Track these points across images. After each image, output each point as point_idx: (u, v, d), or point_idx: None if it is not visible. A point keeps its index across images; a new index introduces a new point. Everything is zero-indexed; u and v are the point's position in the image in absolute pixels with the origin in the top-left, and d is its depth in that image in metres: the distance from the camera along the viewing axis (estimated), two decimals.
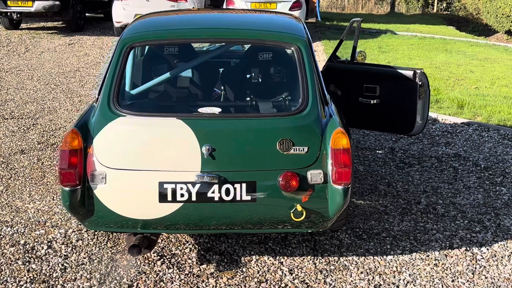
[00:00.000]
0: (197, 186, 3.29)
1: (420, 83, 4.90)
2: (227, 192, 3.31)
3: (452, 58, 12.12)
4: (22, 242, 3.99)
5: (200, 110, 3.53)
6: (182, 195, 3.30)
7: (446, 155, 5.90)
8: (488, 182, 5.22)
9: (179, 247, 3.97)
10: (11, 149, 5.94)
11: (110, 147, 3.36)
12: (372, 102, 5.06)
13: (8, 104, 7.75)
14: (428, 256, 3.94)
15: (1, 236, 4.07)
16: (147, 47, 4.55)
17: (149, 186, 3.29)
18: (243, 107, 3.91)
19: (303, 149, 3.38)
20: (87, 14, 16.16)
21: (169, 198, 3.29)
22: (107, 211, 3.33)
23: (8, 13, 14.36)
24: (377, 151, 6.02)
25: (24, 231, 4.15)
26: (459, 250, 4.02)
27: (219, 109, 3.54)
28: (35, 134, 6.46)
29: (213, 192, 3.30)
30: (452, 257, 3.93)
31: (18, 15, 14.48)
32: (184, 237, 4.08)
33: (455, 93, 8.53)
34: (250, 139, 3.39)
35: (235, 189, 3.31)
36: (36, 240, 4.02)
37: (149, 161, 3.32)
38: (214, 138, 3.34)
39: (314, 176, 3.37)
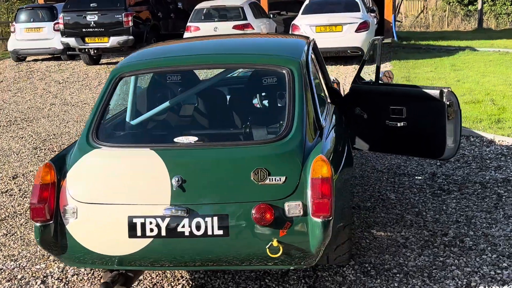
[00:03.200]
0: (167, 220, 3.13)
1: (448, 103, 4.52)
2: (198, 226, 3.12)
3: None
4: (19, 276, 3.99)
5: (176, 139, 3.39)
6: (151, 230, 3.14)
7: (494, 180, 5.37)
8: None
9: (172, 283, 3.81)
10: None
11: (82, 181, 3.29)
12: (398, 124, 4.72)
13: (62, 137, 8.00)
14: None
15: (2, 271, 4.09)
16: (151, 76, 4.49)
17: (118, 221, 3.17)
18: (223, 135, 3.72)
19: (280, 179, 3.13)
20: None
21: (139, 233, 3.15)
22: (79, 247, 3.24)
23: (86, 49, 15.07)
24: (416, 177, 5.60)
25: (26, 265, 4.15)
26: None
27: (196, 138, 3.38)
28: None
29: (183, 227, 3.12)
30: None
31: (95, 51, 15.17)
32: (179, 272, 3.91)
33: None
34: (223, 170, 3.20)
35: (206, 223, 3.12)
36: (33, 274, 4.01)
37: (119, 195, 3.21)
38: (185, 169, 3.18)
39: (292, 208, 3.10)
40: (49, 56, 17.72)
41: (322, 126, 3.59)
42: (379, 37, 4.97)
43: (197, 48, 4.18)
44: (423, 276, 3.74)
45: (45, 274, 4.00)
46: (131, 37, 14.83)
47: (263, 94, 4.16)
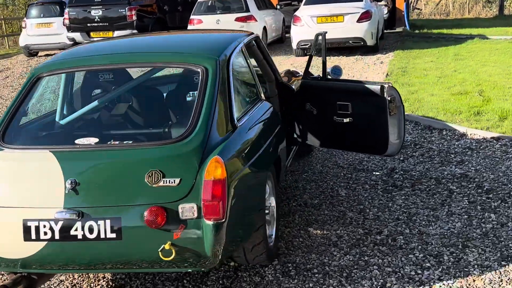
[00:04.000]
0: (60, 223, 3.12)
1: (389, 98, 4.42)
2: (91, 229, 3.10)
3: None
4: None
5: (77, 141, 3.36)
6: (45, 233, 3.13)
7: (451, 176, 5.21)
8: (480, 207, 4.52)
9: (92, 284, 3.80)
10: None
11: None
12: (345, 120, 4.64)
13: None
14: None
15: None
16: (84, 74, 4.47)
17: (13, 224, 3.17)
18: (125, 136, 3.65)
19: (174, 181, 3.08)
20: None
21: (33, 236, 3.14)
22: None
23: None
24: (374, 173, 5.47)
25: None
26: None
27: (96, 140, 3.35)
28: None
29: (76, 230, 3.11)
30: None
31: None
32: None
33: (508, 104, 7.57)
34: (116, 172, 3.17)
35: (98, 226, 3.10)
36: None
37: (14, 197, 3.21)
38: (80, 172, 3.16)
39: (185, 210, 3.06)
40: (60, 51, 17.92)
41: (236, 125, 3.51)
42: (323, 31, 4.88)
43: (120, 47, 4.14)
44: (341, 276, 3.65)
45: None
46: (135, 31, 14.89)
47: (178, 93, 4.09)
